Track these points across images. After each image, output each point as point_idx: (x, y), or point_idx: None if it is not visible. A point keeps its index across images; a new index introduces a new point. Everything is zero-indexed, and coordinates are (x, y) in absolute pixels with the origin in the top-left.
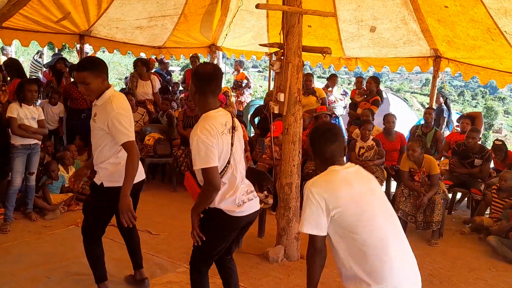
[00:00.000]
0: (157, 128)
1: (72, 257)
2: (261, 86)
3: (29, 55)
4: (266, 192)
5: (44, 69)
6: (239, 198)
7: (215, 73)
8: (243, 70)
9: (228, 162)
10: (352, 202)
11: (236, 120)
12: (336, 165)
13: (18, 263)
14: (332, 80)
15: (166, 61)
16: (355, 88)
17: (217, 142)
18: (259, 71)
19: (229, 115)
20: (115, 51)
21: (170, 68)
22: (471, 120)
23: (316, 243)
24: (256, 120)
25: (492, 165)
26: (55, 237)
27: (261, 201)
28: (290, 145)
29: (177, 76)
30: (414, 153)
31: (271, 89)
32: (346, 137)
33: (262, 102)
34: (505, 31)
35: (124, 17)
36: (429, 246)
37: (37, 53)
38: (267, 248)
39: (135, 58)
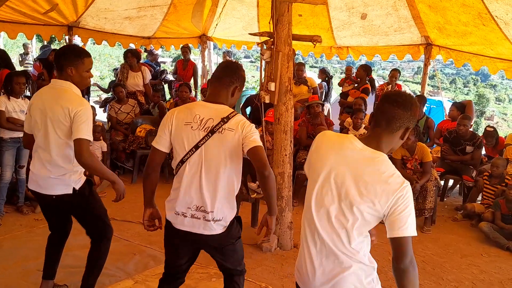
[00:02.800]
0: (149, 120)
1: (64, 250)
2: (254, 76)
3: (19, 48)
4: (258, 182)
5: (34, 62)
6: (178, 207)
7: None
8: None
9: (182, 162)
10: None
11: (233, 124)
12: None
13: (10, 257)
14: (392, 75)
15: (156, 52)
16: (345, 77)
17: (171, 129)
18: (251, 61)
19: (220, 112)
20: (103, 42)
21: (162, 59)
22: (461, 109)
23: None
24: (248, 110)
25: (483, 151)
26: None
27: (253, 191)
28: (282, 134)
29: (168, 67)
30: (408, 140)
31: (262, 79)
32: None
33: (253, 92)
34: (496, 16)
35: (113, 8)
36: (421, 233)
37: (24, 48)
38: (260, 238)
39: (125, 49)
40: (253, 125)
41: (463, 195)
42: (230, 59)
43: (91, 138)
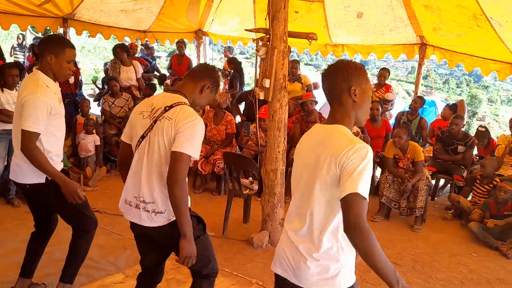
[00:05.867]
0: None
1: (55, 243)
2: (249, 73)
3: (13, 39)
4: (251, 178)
5: (27, 53)
6: (126, 195)
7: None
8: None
9: (134, 151)
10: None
11: (172, 113)
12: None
13: (0, 249)
14: (380, 74)
15: (151, 45)
16: None
17: (131, 120)
18: (246, 58)
19: (169, 100)
20: (98, 35)
21: (157, 54)
22: (453, 108)
23: None
24: (242, 106)
25: (476, 152)
26: None
27: (246, 187)
28: (276, 131)
29: (163, 62)
30: (400, 140)
31: (257, 75)
32: None
33: (247, 88)
34: (490, 17)
35: (109, 0)
36: (412, 231)
37: (17, 39)
38: (251, 234)
39: (114, 44)
40: (193, 118)
41: None
42: (231, 55)
43: (37, 129)
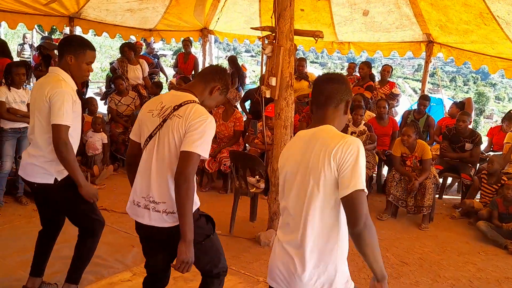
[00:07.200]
0: None
1: (63, 240)
2: (254, 71)
3: (20, 38)
4: (258, 176)
5: (34, 52)
6: (134, 196)
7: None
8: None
9: (143, 151)
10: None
11: (182, 111)
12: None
13: (8, 247)
14: (384, 69)
15: (153, 45)
16: (347, 74)
17: (140, 117)
18: (252, 56)
19: (178, 99)
20: (104, 34)
21: (162, 52)
22: (461, 106)
23: None
24: (248, 104)
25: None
26: None
27: (253, 186)
28: (282, 129)
29: (169, 60)
30: (409, 138)
31: (263, 73)
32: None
33: (253, 86)
34: (497, 16)
35: None
36: (419, 230)
37: (24, 38)
38: (258, 232)
39: (122, 43)
40: (205, 116)
41: (462, 193)
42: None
43: (67, 122)
